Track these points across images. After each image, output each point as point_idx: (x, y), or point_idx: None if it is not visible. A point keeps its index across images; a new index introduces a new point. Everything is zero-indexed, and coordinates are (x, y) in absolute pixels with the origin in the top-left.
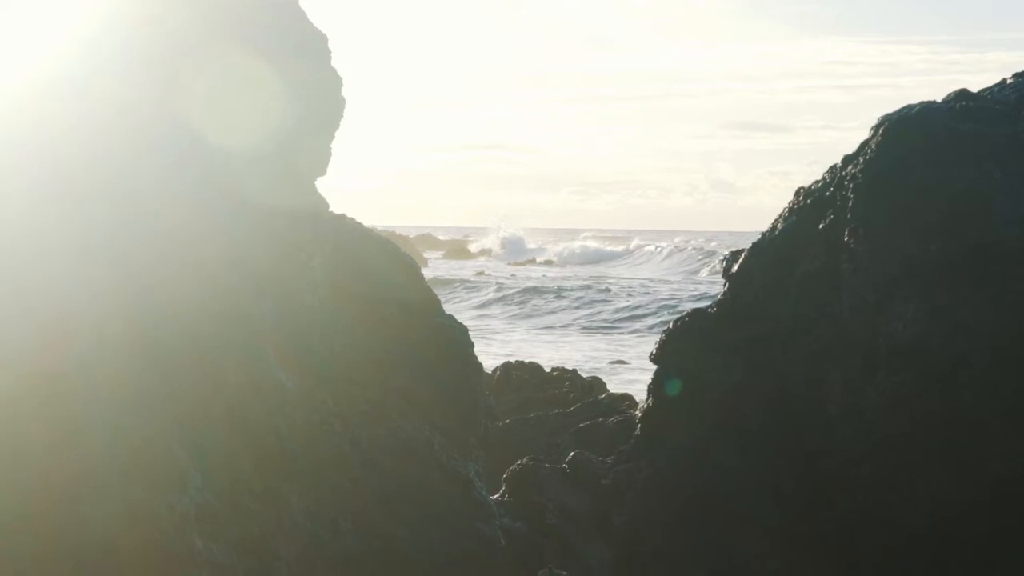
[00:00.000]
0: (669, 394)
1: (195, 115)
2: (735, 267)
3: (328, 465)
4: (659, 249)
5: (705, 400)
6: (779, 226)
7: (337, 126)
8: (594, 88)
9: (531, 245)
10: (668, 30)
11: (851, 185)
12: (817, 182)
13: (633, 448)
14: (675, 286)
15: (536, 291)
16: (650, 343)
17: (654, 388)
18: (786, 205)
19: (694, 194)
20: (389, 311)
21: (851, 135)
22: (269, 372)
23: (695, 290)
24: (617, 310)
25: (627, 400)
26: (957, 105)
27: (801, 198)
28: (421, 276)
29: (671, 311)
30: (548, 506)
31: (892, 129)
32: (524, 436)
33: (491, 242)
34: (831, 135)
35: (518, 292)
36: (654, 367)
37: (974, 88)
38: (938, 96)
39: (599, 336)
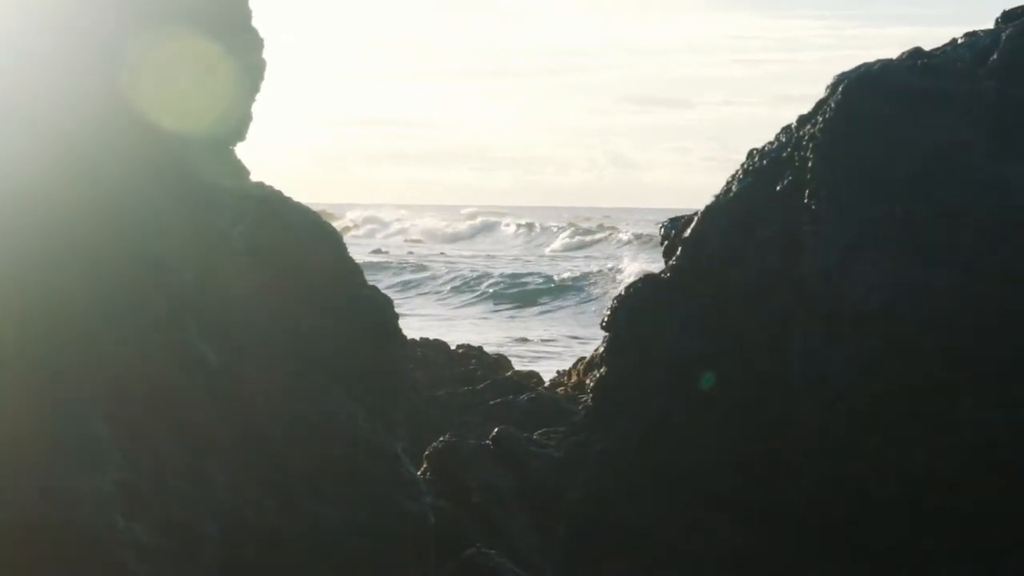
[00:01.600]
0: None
1: (112, 81)
2: (688, 231)
3: (251, 442)
4: (522, 226)
5: (662, 369)
6: (733, 188)
7: (258, 89)
8: (493, 62)
9: (420, 222)
10: (568, 3)
11: (810, 145)
12: (771, 143)
13: (586, 419)
14: (536, 263)
15: (422, 269)
16: (527, 320)
17: (608, 356)
18: (739, 166)
19: (592, 170)
20: (311, 281)
21: (752, 110)
22: (191, 345)
23: (552, 266)
24: (501, 288)
25: (534, 377)
26: (917, 63)
27: (756, 159)
28: (343, 245)
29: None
30: (473, 484)
31: (853, 87)
32: (434, 414)
33: (379, 219)
34: (732, 111)
35: (408, 270)
36: (603, 335)
37: (869, 59)
38: (840, 69)
39: (480, 313)
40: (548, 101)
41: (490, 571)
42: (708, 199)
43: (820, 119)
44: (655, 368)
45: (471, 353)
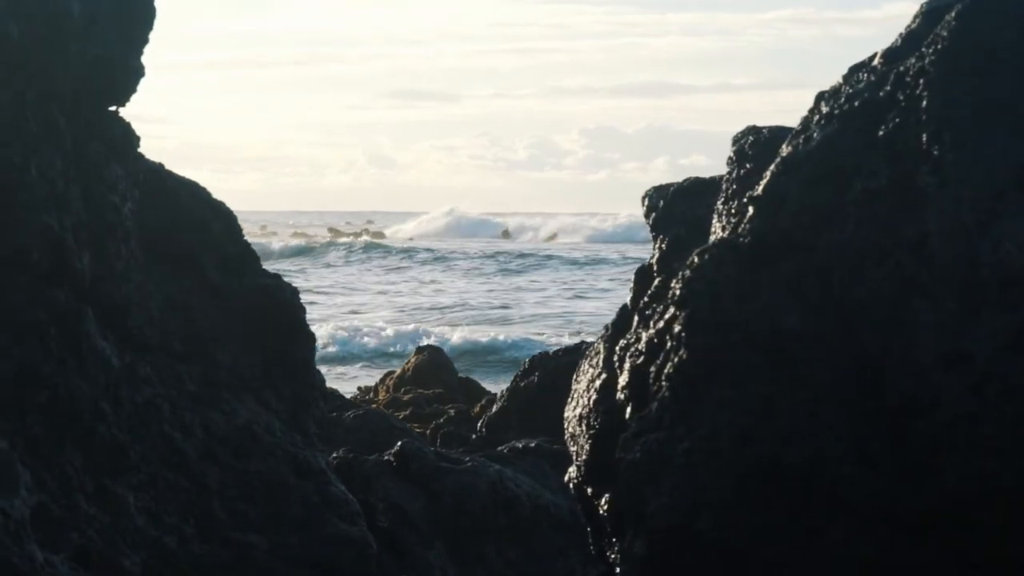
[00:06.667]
0: None
1: None
2: (760, 189)
3: (160, 457)
4: None
5: (755, 349)
6: (815, 135)
7: (146, 40)
8: (235, 51)
9: None
10: None
11: (920, 81)
12: (854, 82)
13: (661, 414)
14: None
15: None
16: None
17: (687, 337)
18: (808, 113)
19: (351, 171)
20: (208, 271)
21: (524, 103)
22: (93, 342)
23: None
24: None
25: (339, 397)
26: None
27: (842, 101)
28: (239, 227)
29: None
30: (378, 506)
31: (969, 12)
32: None
33: None
34: (503, 104)
35: None
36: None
37: (651, 49)
38: (620, 59)
39: None
40: (298, 95)
41: None
42: (481, 197)
43: (929, 51)
44: (747, 349)
45: None
